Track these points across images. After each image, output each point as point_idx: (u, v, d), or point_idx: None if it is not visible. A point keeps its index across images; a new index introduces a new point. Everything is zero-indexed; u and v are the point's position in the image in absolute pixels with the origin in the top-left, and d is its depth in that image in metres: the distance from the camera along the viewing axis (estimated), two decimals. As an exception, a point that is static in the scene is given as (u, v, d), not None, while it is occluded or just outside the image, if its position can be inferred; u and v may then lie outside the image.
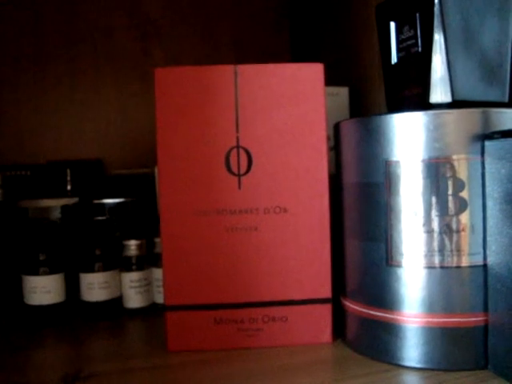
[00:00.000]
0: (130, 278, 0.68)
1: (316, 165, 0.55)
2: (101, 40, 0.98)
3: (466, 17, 0.52)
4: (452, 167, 0.47)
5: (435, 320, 0.48)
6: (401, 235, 0.49)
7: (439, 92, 0.51)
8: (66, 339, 0.62)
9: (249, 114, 0.54)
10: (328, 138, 0.56)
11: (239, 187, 0.54)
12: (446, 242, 0.48)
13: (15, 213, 0.74)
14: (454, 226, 0.47)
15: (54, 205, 0.75)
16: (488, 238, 0.47)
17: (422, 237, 0.48)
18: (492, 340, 0.47)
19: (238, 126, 0.54)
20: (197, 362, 0.53)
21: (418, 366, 0.49)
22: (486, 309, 0.48)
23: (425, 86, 0.52)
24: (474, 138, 0.47)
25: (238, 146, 0.54)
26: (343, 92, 0.79)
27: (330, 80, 0.63)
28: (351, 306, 0.54)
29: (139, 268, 0.69)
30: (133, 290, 0.68)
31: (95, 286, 0.66)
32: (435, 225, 0.48)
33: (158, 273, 0.68)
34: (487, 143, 0.47)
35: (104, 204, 0.76)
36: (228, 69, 0.55)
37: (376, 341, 0.51)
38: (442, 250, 0.48)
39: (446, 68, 0.51)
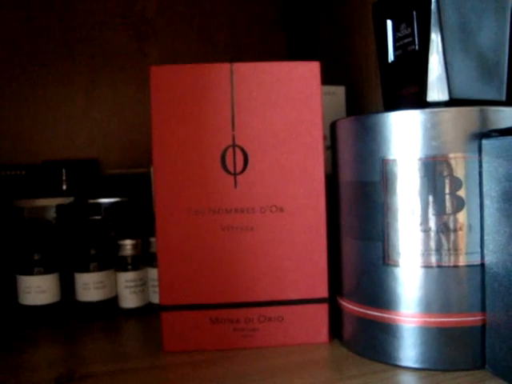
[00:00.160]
0: (126, 278, 0.68)
1: (312, 164, 0.54)
2: (97, 40, 0.98)
3: (463, 15, 0.52)
4: (449, 166, 0.47)
5: (432, 320, 0.48)
6: (398, 234, 0.48)
7: (436, 90, 0.51)
8: (60, 339, 0.61)
9: (245, 112, 0.54)
10: (324, 138, 0.56)
11: (235, 186, 0.54)
12: (443, 241, 0.47)
13: (10, 212, 0.73)
14: (452, 225, 0.47)
15: (49, 204, 0.75)
16: (485, 237, 0.47)
17: (419, 236, 0.48)
18: (489, 340, 0.47)
19: (233, 125, 0.54)
20: (192, 363, 0.52)
21: (415, 366, 0.49)
22: (483, 308, 0.47)
23: (422, 85, 0.51)
24: (472, 136, 0.47)
25: (233, 145, 0.54)
26: (340, 91, 0.79)
27: (327, 79, 0.63)
28: (348, 305, 0.54)
29: (135, 268, 0.68)
30: (128, 289, 0.68)
31: (90, 286, 0.66)
32: (432, 224, 0.47)
33: (153, 273, 0.68)
34: (485, 142, 0.46)
35: (99, 204, 0.76)
36: (224, 67, 0.54)
37: (373, 341, 0.51)
38: (439, 249, 0.47)
39: (443, 66, 0.51)
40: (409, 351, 0.49)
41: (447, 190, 0.47)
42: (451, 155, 0.47)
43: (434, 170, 0.47)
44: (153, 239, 0.68)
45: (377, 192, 0.49)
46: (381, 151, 0.49)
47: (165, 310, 0.55)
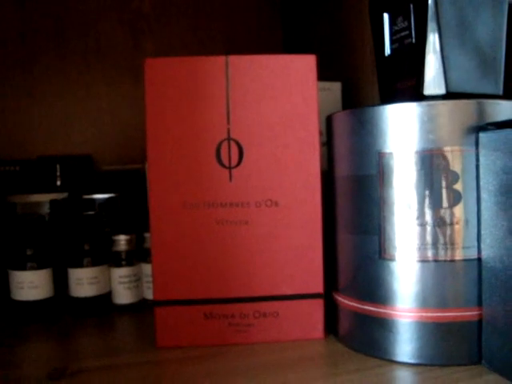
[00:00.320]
0: (120, 274, 0.67)
1: (308, 158, 0.54)
2: (92, 36, 0.97)
3: (461, 8, 0.51)
4: (446, 159, 0.46)
5: (428, 315, 0.47)
6: (394, 228, 0.48)
7: (433, 84, 0.50)
8: (53, 335, 0.61)
9: (240, 105, 0.54)
10: (320, 133, 0.55)
11: (230, 180, 0.54)
12: (440, 235, 0.47)
13: (3, 208, 0.73)
14: (448, 219, 0.47)
15: (43, 200, 0.74)
16: (482, 232, 0.46)
17: (415, 230, 0.47)
18: (486, 335, 0.47)
19: (229, 118, 0.54)
20: (186, 358, 0.52)
21: (411, 361, 0.48)
22: (480, 303, 0.47)
23: (418, 78, 0.51)
24: (469, 129, 0.46)
25: (228, 138, 0.54)
26: (336, 87, 0.78)
27: (323, 75, 0.62)
28: (343, 300, 0.53)
29: (129, 263, 0.68)
30: (122, 285, 0.67)
31: (84, 282, 0.65)
32: (429, 218, 0.47)
33: (147, 268, 0.67)
34: (482, 135, 0.46)
35: (93, 199, 0.75)
36: (219, 60, 0.54)
37: (369, 336, 0.51)
38: (435, 243, 0.47)
39: (440, 59, 0.50)
40: (405, 346, 0.48)
41: (444, 184, 0.46)
42: (448, 148, 0.46)
43: (431, 164, 0.46)
44: (147, 235, 0.67)
45: (373, 186, 0.49)
46: (377, 144, 0.48)
47: (158, 305, 0.54)
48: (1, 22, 0.92)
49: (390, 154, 0.48)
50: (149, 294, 0.68)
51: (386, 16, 0.55)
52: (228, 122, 0.53)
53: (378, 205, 0.49)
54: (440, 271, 0.47)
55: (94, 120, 0.97)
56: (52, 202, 0.73)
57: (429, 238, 0.47)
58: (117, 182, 0.81)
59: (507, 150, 0.43)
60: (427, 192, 0.47)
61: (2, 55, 0.92)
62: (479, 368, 0.47)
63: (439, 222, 0.47)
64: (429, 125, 0.47)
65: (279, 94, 0.54)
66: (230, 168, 0.54)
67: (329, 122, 0.55)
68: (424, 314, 0.47)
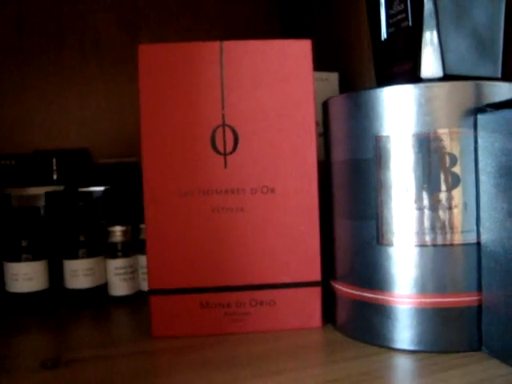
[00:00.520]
0: (115, 265, 0.66)
1: (304, 143, 0.53)
2: (88, 31, 0.96)
3: (458, -10, 0.50)
4: (444, 142, 0.46)
5: (427, 300, 0.47)
6: (392, 213, 0.47)
7: (430, 66, 0.50)
8: (48, 327, 0.60)
9: (235, 91, 0.53)
10: (317, 124, 0.54)
11: (225, 166, 0.53)
12: (438, 219, 0.46)
13: (-1, 200, 0.72)
14: (447, 203, 0.46)
15: (38, 193, 0.74)
16: (481, 215, 0.46)
17: (413, 214, 0.46)
18: (486, 320, 0.46)
19: (223, 104, 0.53)
20: (181, 348, 0.51)
21: (410, 348, 0.47)
22: (479, 288, 0.46)
23: (415, 61, 0.50)
24: (467, 111, 0.46)
25: (223, 125, 0.53)
26: (333, 77, 0.77)
27: (321, 66, 0.62)
28: (341, 288, 0.52)
29: (125, 255, 0.67)
30: (118, 277, 0.66)
31: (79, 273, 0.64)
32: (427, 201, 0.46)
33: (143, 260, 0.66)
34: (480, 116, 0.45)
35: (89, 191, 0.75)
36: (213, 45, 0.53)
37: (367, 323, 0.50)
38: (434, 227, 0.46)
39: (437, 42, 0.49)
40: (404, 333, 0.48)
41: (442, 167, 0.46)
42: (446, 131, 0.46)
43: (429, 146, 0.46)
44: (143, 226, 0.67)
45: (370, 170, 0.48)
46: (374, 128, 0.48)
47: (153, 294, 0.53)
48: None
49: (387, 137, 0.47)
50: (145, 286, 0.67)
51: (382, 0, 0.54)
52: (223, 108, 0.53)
53: (375, 189, 0.48)
54: (439, 256, 0.46)
55: (91, 114, 0.97)
56: (47, 194, 0.72)
57: (427, 223, 0.46)
58: (113, 174, 0.81)
59: (506, 132, 0.42)
60: (425, 175, 0.46)
61: (-2, 49, 0.91)
62: (479, 354, 0.46)
63: (437, 206, 0.46)
64: (426, 107, 0.46)
65: (274, 79, 0.53)
66: (225, 154, 0.53)
67: (325, 107, 0.54)
68: (423, 300, 0.47)
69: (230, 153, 0.53)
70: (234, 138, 0.53)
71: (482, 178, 0.45)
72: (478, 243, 0.46)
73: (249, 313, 0.54)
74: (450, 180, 0.46)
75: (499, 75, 0.52)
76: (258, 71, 0.53)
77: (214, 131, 0.53)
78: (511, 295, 0.43)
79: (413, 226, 0.47)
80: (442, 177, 0.46)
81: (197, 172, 0.53)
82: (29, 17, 0.93)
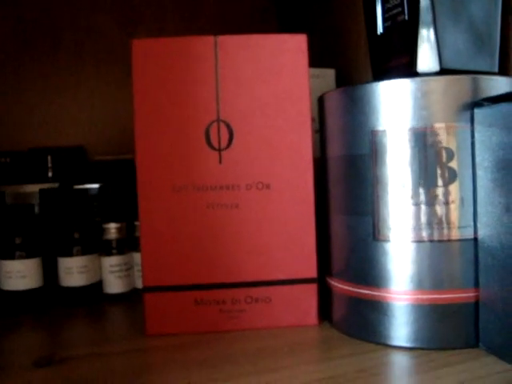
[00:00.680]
0: (110, 263, 0.66)
1: (300, 139, 0.53)
2: (84, 28, 0.96)
3: (454, -17, 0.50)
4: (440, 136, 0.45)
5: (424, 297, 0.46)
6: (388, 208, 0.47)
7: (427, 61, 0.49)
8: (42, 325, 0.59)
9: (230, 86, 0.52)
10: (313, 120, 0.54)
11: (220, 162, 0.52)
12: (435, 214, 0.46)
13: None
14: (443, 198, 0.45)
15: (33, 190, 0.73)
16: (479, 210, 0.45)
17: (410, 209, 0.46)
18: (483, 317, 0.45)
19: (218, 99, 0.52)
20: (176, 346, 0.50)
21: (407, 344, 0.47)
22: (476, 284, 0.46)
23: (412, 55, 0.50)
24: (464, 105, 0.45)
25: (218, 120, 0.52)
26: (329, 74, 0.77)
27: (317, 62, 0.61)
28: (337, 285, 0.52)
29: (119, 252, 0.66)
30: (113, 274, 0.66)
31: (74, 271, 0.64)
32: (423, 197, 0.46)
33: (138, 257, 0.66)
34: (477, 111, 0.45)
35: (84, 188, 0.74)
36: (208, 40, 0.53)
37: (363, 320, 0.49)
38: (430, 223, 0.46)
39: (434, 36, 0.49)
40: (400, 330, 0.47)
41: (438, 162, 0.45)
42: (442, 125, 0.45)
43: (425, 141, 0.45)
44: (138, 223, 0.66)
45: (366, 165, 0.48)
46: (370, 122, 0.47)
47: (148, 291, 0.53)
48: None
49: (383, 131, 0.46)
50: (140, 284, 0.66)
51: (378, -6, 0.54)
52: (217, 103, 0.52)
53: (371, 184, 0.47)
54: (435, 252, 0.46)
55: (87, 112, 0.96)
56: (42, 191, 0.72)
57: (424, 218, 0.46)
58: (108, 171, 0.80)
59: (503, 125, 0.42)
60: (421, 170, 0.45)
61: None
62: (476, 351, 0.46)
63: (434, 201, 0.45)
64: (422, 101, 0.45)
65: (269, 74, 0.53)
66: (219, 150, 0.52)
67: (321, 102, 0.53)
68: (419, 296, 0.46)
69: (225, 148, 0.52)
70: (229, 134, 0.52)
71: (479, 172, 0.45)
72: (475, 239, 0.45)
73: (244, 310, 0.53)
74: (446, 175, 0.45)
75: (496, 69, 0.52)
76: (253, 66, 0.52)
77: (209, 127, 0.52)
78: (509, 291, 0.42)
79: (409, 222, 0.46)
80: (439, 172, 0.45)
81: (191, 168, 0.52)
82: (25, 15, 0.92)
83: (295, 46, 0.53)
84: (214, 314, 0.53)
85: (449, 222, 0.46)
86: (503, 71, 0.53)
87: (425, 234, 0.46)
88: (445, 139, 0.45)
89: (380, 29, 0.54)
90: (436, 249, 0.46)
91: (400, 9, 0.51)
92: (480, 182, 0.45)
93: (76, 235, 0.64)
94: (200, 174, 0.52)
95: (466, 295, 0.46)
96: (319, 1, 0.92)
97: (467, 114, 0.45)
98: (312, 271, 0.54)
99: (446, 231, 0.46)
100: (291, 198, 0.53)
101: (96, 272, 0.65)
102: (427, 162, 0.45)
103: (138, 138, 0.52)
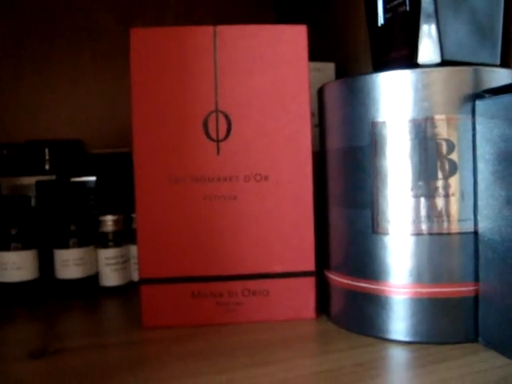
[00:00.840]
0: (106, 255, 0.65)
1: (299, 130, 0.52)
2: (81, 21, 0.95)
3: (456, -26, 0.49)
4: (441, 128, 0.45)
5: (423, 290, 0.46)
6: (387, 201, 0.46)
7: (428, 52, 0.49)
8: (37, 317, 0.59)
9: (228, 77, 0.52)
10: (312, 115, 0.53)
11: (218, 153, 0.52)
12: (435, 207, 0.45)
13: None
14: (444, 191, 0.45)
15: (29, 182, 0.73)
16: (479, 203, 0.45)
17: (409, 202, 0.45)
18: (483, 311, 0.45)
19: (216, 90, 0.52)
20: (172, 338, 0.50)
21: (406, 339, 0.46)
22: (476, 278, 0.45)
23: (413, 47, 0.49)
24: (465, 97, 0.45)
25: (216, 111, 0.52)
26: (329, 67, 0.76)
27: (317, 56, 0.61)
28: (335, 278, 0.51)
29: (116, 244, 0.66)
30: (109, 267, 0.65)
31: (70, 263, 0.63)
32: (423, 189, 0.45)
33: (135, 250, 0.64)
34: (478, 102, 0.44)
35: (81, 181, 0.73)
36: (207, 30, 0.52)
37: (361, 314, 0.49)
38: (430, 216, 0.45)
39: (435, 27, 0.48)
40: (399, 324, 0.47)
41: (439, 154, 0.45)
42: (443, 117, 0.45)
43: (425, 133, 0.45)
44: (135, 215, 0.65)
45: (365, 157, 0.47)
46: (370, 114, 0.47)
47: (144, 284, 0.52)
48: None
49: (383, 123, 0.46)
50: (137, 276, 0.66)
51: (379, -15, 0.53)
52: (216, 94, 0.52)
53: (370, 177, 0.47)
54: (435, 245, 0.45)
55: (84, 105, 0.95)
56: (38, 183, 0.71)
57: (423, 211, 0.45)
58: (105, 164, 0.80)
59: (505, 117, 0.41)
60: (422, 162, 0.45)
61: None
62: (475, 345, 0.45)
63: (434, 194, 0.45)
64: (423, 92, 0.45)
65: (269, 65, 0.52)
66: (217, 141, 0.52)
67: (320, 94, 0.53)
68: (418, 290, 0.46)
69: (223, 139, 0.52)
70: (227, 125, 0.52)
71: (480, 165, 0.44)
72: (475, 232, 0.45)
73: (241, 303, 0.53)
74: (447, 167, 0.45)
75: (498, 62, 0.51)
76: (253, 57, 0.52)
77: (207, 117, 0.52)
78: (509, 285, 0.42)
79: (409, 215, 0.46)
80: (439, 164, 0.45)
81: (189, 159, 0.52)
82: (23, 8, 0.91)
83: (295, 36, 0.52)
84: (210, 307, 0.53)
85: (449, 215, 0.45)
86: (505, 63, 0.52)
87: (424, 227, 0.45)
88: (445, 131, 0.44)
89: (381, 20, 0.54)
90: (435, 242, 0.45)
91: (401, 0, 0.51)
92: (481, 175, 0.44)
93: (72, 227, 0.64)
94: (198, 166, 0.52)
95: (466, 289, 0.45)
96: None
97: (468, 106, 0.44)
98: (310, 264, 0.53)
99: (445, 224, 0.45)
100: (290, 190, 0.52)
101: (92, 264, 0.65)
102: (427, 154, 0.45)
103: (136, 129, 0.51)
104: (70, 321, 0.58)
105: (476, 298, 0.45)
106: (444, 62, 0.48)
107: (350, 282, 0.49)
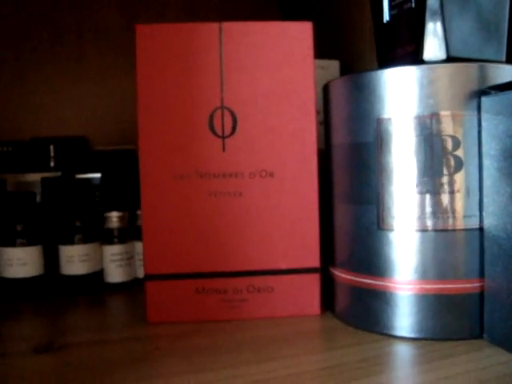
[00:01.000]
0: (111, 251, 0.65)
1: (304, 127, 0.52)
2: (86, 17, 0.95)
3: (462, -29, 0.49)
4: (447, 124, 0.45)
5: (428, 287, 0.46)
6: (392, 197, 0.46)
7: (433, 49, 0.48)
8: (42, 312, 0.59)
9: (234, 73, 0.52)
10: (317, 112, 0.53)
11: (223, 150, 0.52)
12: (440, 203, 0.45)
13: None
14: (449, 187, 0.45)
15: (35, 179, 0.73)
16: (484, 199, 0.45)
17: (414, 198, 0.45)
18: (488, 307, 0.45)
19: (222, 86, 0.52)
20: (177, 334, 0.50)
21: (411, 335, 0.46)
22: (481, 274, 0.45)
23: (418, 43, 0.49)
24: (470, 93, 0.45)
25: (222, 107, 0.52)
26: (334, 65, 0.76)
27: (322, 53, 0.61)
28: (340, 274, 0.51)
29: (121, 241, 0.66)
30: (114, 263, 0.65)
31: (75, 259, 0.63)
32: (429, 185, 0.45)
33: (140, 246, 0.65)
34: (484, 99, 0.44)
35: (86, 178, 0.74)
36: (213, 26, 0.52)
37: (366, 310, 0.49)
38: (435, 212, 0.45)
39: (440, 24, 0.48)
40: (404, 320, 0.47)
41: (444, 150, 0.45)
42: (448, 113, 0.44)
43: (431, 129, 0.45)
44: (140, 212, 0.66)
45: (371, 153, 0.47)
46: (375, 110, 0.47)
47: (149, 280, 0.52)
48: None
49: (389, 119, 0.46)
50: (141, 273, 0.65)
51: (385, -19, 0.53)
52: (221, 90, 0.52)
53: (376, 173, 0.47)
54: (440, 241, 0.45)
55: (89, 101, 0.95)
56: (44, 179, 0.71)
57: (428, 207, 0.45)
58: (110, 161, 0.80)
59: (510, 114, 0.41)
60: (427, 159, 0.45)
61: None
62: (480, 342, 0.45)
63: (439, 190, 0.45)
64: (428, 89, 0.45)
65: (274, 61, 0.52)
66: (223, 137, 0.52)
67: (326, 90, 0.53)
68: (423, 286, 0.46)
69: (229, 136, 0.52)
70: (233, 121, 0.52)
71: (485, 161, 0.44)
72: (481, 228, 0.45)
73: (246, 299, 0.53)
74: (452, 164, 0.45)
75: (504, 59, 0.51)
76: (258, 53, 0.52)
77: (213, 114, 0.52)
78: (514, 282, 0.42)
79: (414, 211, 0.46)
80: (445, 160, 0.45)
81: (194, 155, 0.52)
82: (27, 4, 0.91)
83: (301, 33, 0.52)
84: (215, 303, 0.53)
85: (454, 212, 0.45)
86: (511, 60, 0.52)
87: (429, 224, 0.45)
88: (451, 127, 0.44)
89: (386, 17, 0.53)
90: (441, 238, 0.45)
91: (407, -4, 0.51)
92: (486, 172, 0.44)
93: (77, 224, 0.64)
94: (203, 162, 0.52)
95: (471, 285, 0.45)
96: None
97: (474, 102, 0.44)
98: (315, 261, 0.53)
99: (451, 221, 0.45)
100: (295, 187, 0.52)
101: (97, 261, 0.65)
102: (433, 150, 0.45)
103: (141, 125, 0.52)
104: (75, 316, 0.58)
105: (481, 295, 0.45)
106: (449, 59, 0.48)
107: (354, 278, 0.49)
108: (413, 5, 0.50)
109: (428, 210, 0.45)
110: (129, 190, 0.71)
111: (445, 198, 0.45)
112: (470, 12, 0.50)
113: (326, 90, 0.53)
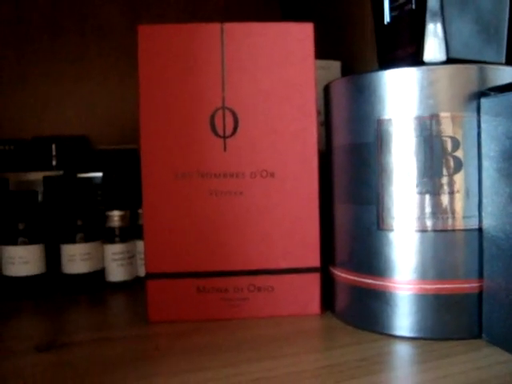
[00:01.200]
0: (113, 250, 0.66)
1: (305, 127, 0.52)
2: (88, 16, 0.95)
3: (462, -27, 0.50)
4: (446, 125, 0.45)
5: (428, 287, 0.46)
6: (392, 197, 0.46)
7: (433, 50, 0.49)
8: (44, 311, 0.59)
9: (235, 73, 0.52)
10: (318, 113, 0.54)
11: (224, 149, 0.52)
12: (440, 204, 0.45)
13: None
14: (449, 188, 0.45)
15: (37, 178, 0.73)
16: (484, 200, 0.45)
17: (414, 198, 0.46)
18: (487, 307, 0.45)
19: (223, 86, 0.52)
20: (177, 333, 0.50)
21: (410, 335, 0.47)
22: (480, 275, 0.45)
23: (419, 45, 0.49)
24: (470, 94, 0.45)
25: (223, 107, 0.52)
26: (335, 66, 0.77)
27: (323, 54, 0.61)
28: (340, 274, 0.52)
29: (122, 240, 0.66)
30: (115, 262, 0.66)
31: (76, 258, 0.64)
32: (428, 186, 0.45)
33: (141, 245, 0.65)
34: (483, 100, 0.44)
35: (88, 177, 0.74)
36: (214, 27, 0.52)
37: (366, 310, 0.49)
38: (435, 212, 0.45)
39: (441, 26, 0.48)
40: (403, 320, 0.47)
41: (444, 151, 0.45)
42: (448, 114, 0.45)
43: (431, 130, 0.45)
44: (141, 211, 0.66)
45: (371, 153, 0.47)
46: (375, 111, 0.47)
47: (150, 278, 0.53)
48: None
49: (389, 120, 0.46)
50: (143, 272, 0.66)
51: (385, -17, 0.54)
52: (223, 90, 0.52)
53: (376, 173, 0.47)
54: (440, 242, 0.46)
55: (91, 101, 0.96)
56: (45, 178, 0.72)
57: (428, 208, 0.46)
58: (112, 160, 0.80)
59: (510, 115, 0.42)
60: (427, 159, 0.45)
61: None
62: (479, 342, 0.45)
63: (439, 191, 0.45)
64: (429, 90, 0.45)
65: (276, 62, 0.52)
66: (224, 137, 0.52)
67: (326, 91, 0.53)
68: (423, 286, 0.46)
69: (230, 136, 0.52)
70: (234, 121, 0.52)
71: (485, 162, 0.44)
72: (480, 229, 0.45)
73: (246, 298, 0.53)
74: (452, 164, 0.45)
75: (503, 61, 0.51)
76: (259, 54, 0.52)
77: (214, 114, 0.52)
78: (513, 282, 0.42)
79: (414, 211, 0.46)
80: (444, 161, 0.45)
81: (195, 154, 0.52)
82: (28, 3, 0.92)
83: (302, 34, 0.53)
84: (216, 302, 0.53)
85: (453, 212, 0.45)
86: (510, 61, 0.52)
87: (429, 224, 0.46)
88: (451, 128, 0.45)
89: (387, 18, 0.54)
90: (440, 239, 0.46)
91: (407, -2, 0.51)
92: (485, 173, 0.44)
93: (79, 222, 0.64)
94: (204, 162, 0.52)
95: (470, 285, 0.45)
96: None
97: (473, 104, 0.45)
98: (315, 260, 0.53)
99: (450, 221, 0.45)
100: (295, 187, 0.53)
101: (99, 259, 0.65)
102: (433, 151, 0.45)
103: (143, 125, 0.52)
104: (76, 315, 0.58)
105: (480, 295, 0.45)
106: (449, 60, 0.48)
107: (354, 278, 0.50)
108: (413, 6, 0.50)
109: (428, 210, 0.46)
110: (130, 189, 0.71)
111: (444, 199, 0.45)
112: (470, 14, 0.50)
113: (326, 90, 0.53)
